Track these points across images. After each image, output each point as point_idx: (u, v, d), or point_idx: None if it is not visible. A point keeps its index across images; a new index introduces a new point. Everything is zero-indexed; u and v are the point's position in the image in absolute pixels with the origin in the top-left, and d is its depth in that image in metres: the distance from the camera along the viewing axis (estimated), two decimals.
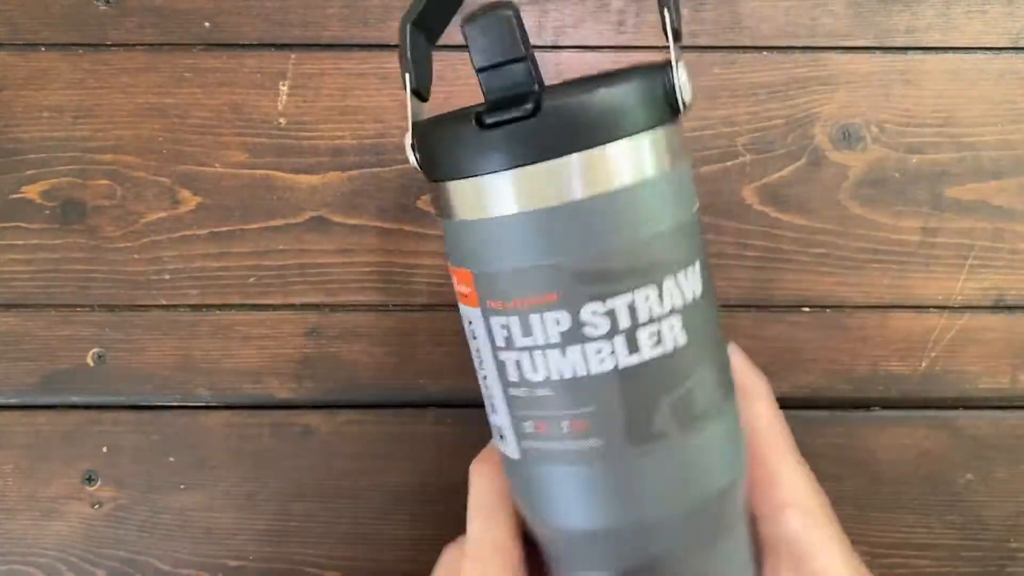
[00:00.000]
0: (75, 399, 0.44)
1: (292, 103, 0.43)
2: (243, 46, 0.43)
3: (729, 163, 0.43)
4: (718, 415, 0.31)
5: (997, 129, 0.44)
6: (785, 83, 0.43)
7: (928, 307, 0.44)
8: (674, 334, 0.30)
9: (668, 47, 0.31)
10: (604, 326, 0.29)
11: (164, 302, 0.44)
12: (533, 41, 0.43)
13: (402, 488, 0.45)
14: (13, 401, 0.44)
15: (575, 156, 0.28)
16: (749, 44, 0.43)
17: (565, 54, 0.43)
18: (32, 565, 0.44)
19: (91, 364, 0.44)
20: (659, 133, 0.30)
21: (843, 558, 0.34)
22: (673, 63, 0.30)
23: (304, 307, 0.44)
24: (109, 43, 0.43)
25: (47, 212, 0.43)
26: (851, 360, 0.44)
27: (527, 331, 0.30)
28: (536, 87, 0.29)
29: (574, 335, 0.29)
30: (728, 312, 0.44)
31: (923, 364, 0.44)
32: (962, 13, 0.43)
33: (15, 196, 0.43)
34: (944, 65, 0.44)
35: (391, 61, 0.43)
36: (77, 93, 0.43)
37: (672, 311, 0.30)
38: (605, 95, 0.29)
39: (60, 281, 0.44)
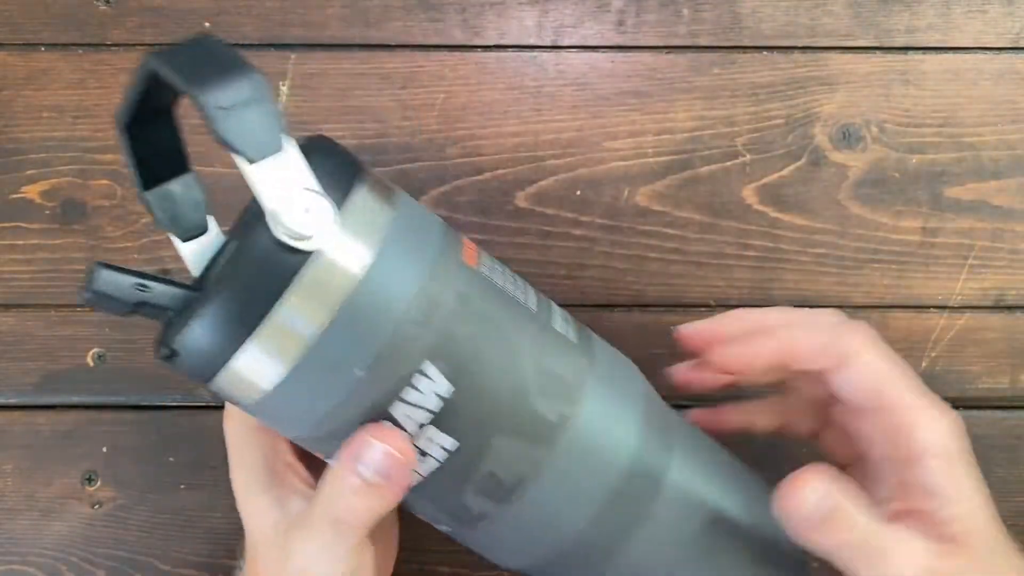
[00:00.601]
0: (75, 399, 0.44)
1: (292, 103, 0.43)
2: (243, 46, 0.43)
3: (729, 163, 0.43)
4: (544, 464, 0.30)
5: (997, 129, 0.44)
6: (785, 83, 0.43)
7: (928, 307, 0.44)
8: (438, 442, 0.29)
9: (668, 48, 0.30)
10: None
11: None
12: (532, 41, 0.43)
13: None
14: (13, 401, 0.44)
15: (223, 373, 0.28)
16: (749, 44, 0.43)
17: (565, 54, 0.43)
18: (32, 565, 0.44)
19: (91, 364, 0.44)
20: (297, 290, 0.27)
21: (982, 505, 0.32)
22: (261, 197, 0.27)
23: None
24: (109, 43, 0.43)
25: (47, 212, 0.43)
26: None
27: None
28: (165, 330, 0.29)
29: None
30: None
31: (923, 364, 0.44)
32: (962, 13, 0.43)
33: (15, 196, 0.43)
34: (944, 65, 0.44)
35: (391, 61, 0.43)
36: (77, 93, 0.43)
37: (421, 427, 0.29)
38: (206, 325, 0.27)
39: (60, 281, 0.44)
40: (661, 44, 0.43)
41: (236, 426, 0.35)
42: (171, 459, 0.44)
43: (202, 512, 0.44)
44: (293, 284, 0.27)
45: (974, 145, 0.44)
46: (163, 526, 0.44)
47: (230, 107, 0.25)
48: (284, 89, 0.43)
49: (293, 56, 0.43)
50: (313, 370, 0.28)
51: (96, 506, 0.44)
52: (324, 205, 0.27)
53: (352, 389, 0.28)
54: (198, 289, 0.29)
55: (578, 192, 0.43)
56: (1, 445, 0.44)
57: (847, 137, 0.44)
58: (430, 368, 0.28)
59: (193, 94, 0.25)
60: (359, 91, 0.43)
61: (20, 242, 0.43)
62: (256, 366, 0.28)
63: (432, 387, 0.29)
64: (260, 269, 0.27)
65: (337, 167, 0.29)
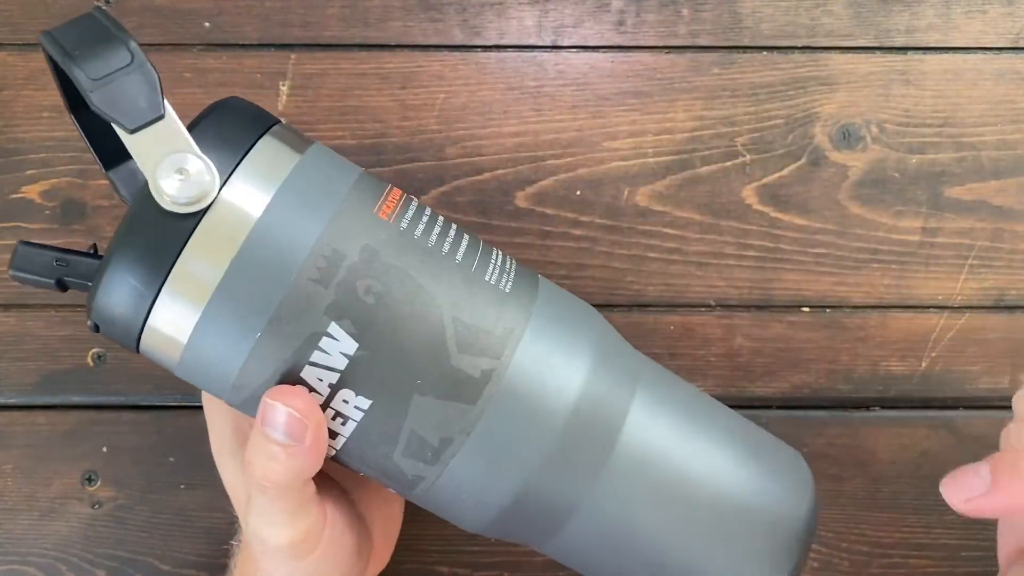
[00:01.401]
0: (75, 399, 0.44)
1: (292, 103, 0.43)
2: (243, 46, 0.43)
3: (729, 163, 0.44)
4: (472, 423, 0.29)
5: (997, 129, 0.44)
6: (785, 83, 0.43)
7: (928, 307, 0.44)
8: (354, 404, 0.29)
9: (668, 48, 0.30)
10: None
11: None
12: (532, 41, 0.43)
13: None
14: (13, 401, 0.44)
15: (146, 335, 0.29)
16: (749, 44, 0.43)
17: (565, 54, 0.43)
18: (32, 565, 0.44)
19: (91, 364, 0.44)
20: (188, 255, 0.27)
21: None
22: (140, 166, 0.27)
23: None
24: None
25: (47, 212, 0.43)
26: (851, 360, 0.44)
27: None
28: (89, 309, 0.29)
29: None
30: (728, 312, 0.44)
31: (923, 364, 0.44)
32: (962, 13, 0.43)
33: (15, 196, 0.43)
34: (944, 65, 0.44)
35: (391, 61, 0.43)
36: None
37: (333, 388, 0.28)
38: (101, 299, 0.28)
39: None
40: (661, 44, 0.43)
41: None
42: (171, 459, 0.44)
43: (202, 512, 0.44)
44: (191, 238, 0.27)
45: (974, 145, 0.44)
46: (163, 526, 0.44)
47: (103, 78, 0.26)
48: (284, 89, 0.43)
49: (293, 56, 0.43)
50: (218, 319, 0.28)
51: (96, 506, 0.44)
52: (204, 168, 0.27)
53: (255, 344, 0.28)
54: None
55: (578, 192, 0.43)
56: (1, 445, 0.44)
57: (847, 137, 0.44)
58: (334, 328, 0.28)
59: (67, 67, 0.26)
60: (359, 91, 0.43)
61: None
62: (170, 317, 0.28)
63: (337, 347, 0.28)
64: (150, 234, 0.27)
65: (242, 122, 0.29)
